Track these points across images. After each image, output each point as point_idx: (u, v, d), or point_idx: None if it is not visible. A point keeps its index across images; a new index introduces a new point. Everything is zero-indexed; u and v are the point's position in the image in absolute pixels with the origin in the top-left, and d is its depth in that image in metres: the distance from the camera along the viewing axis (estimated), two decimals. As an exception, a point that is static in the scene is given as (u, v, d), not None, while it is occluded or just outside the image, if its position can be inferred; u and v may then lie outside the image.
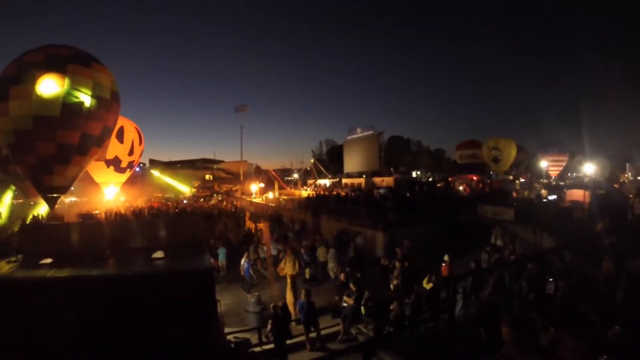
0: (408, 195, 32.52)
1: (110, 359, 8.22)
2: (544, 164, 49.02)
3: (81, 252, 10.76)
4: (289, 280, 15.12)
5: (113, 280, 8.98)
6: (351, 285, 12.98)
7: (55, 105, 15.90)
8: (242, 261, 18.30)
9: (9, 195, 37.18)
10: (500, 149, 46.34)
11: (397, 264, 15.79)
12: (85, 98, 16.60)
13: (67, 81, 16.12)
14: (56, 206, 21.69)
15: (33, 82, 15.72)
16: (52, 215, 25.20)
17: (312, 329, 11.75)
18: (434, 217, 24.08)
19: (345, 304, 12.64)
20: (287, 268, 15.18)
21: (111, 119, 18.42)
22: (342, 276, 14.88)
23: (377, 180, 48.56)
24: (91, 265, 9.70)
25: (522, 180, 50.21)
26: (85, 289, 8.68)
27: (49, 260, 9.74)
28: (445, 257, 16.25)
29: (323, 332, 11.99)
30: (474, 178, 47.78)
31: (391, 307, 11.84)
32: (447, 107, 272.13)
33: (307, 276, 17.69)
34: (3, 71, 16.63)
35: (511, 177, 49.81)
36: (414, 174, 71.27)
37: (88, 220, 27.56)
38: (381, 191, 35.99)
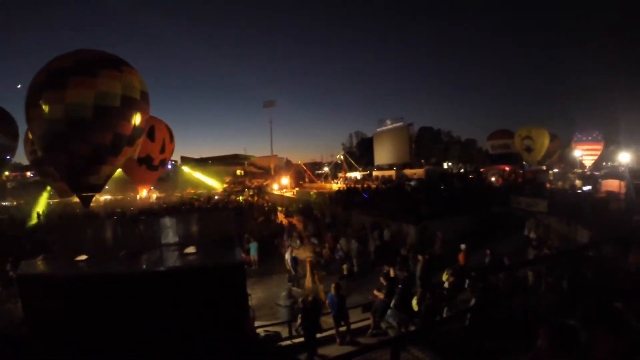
0: (442, 187, 32.08)
1: (144, 351, 8.43)
2: (577, 153, 47.81)
3: (115, 248, 11.03)
4: (308, 267, 15.71)
5: (146, 276, 9.23)
6: (381, 279, 12.93)
7: (87, 107, 16.29)
8: (287, 256, 18.14)
9: (45, 196, 38.33)
10: (532, 138, 45.51)
11: (420, 257, 15.65)
12: (115, 100, 16.95)
13: (98, 84, 16.48)
14: (91, 204, 22.24)
15: (64, 86, 16.11)
16: (87, 213, 25.80)
17: (342, 322, 11.76)
18: (466, 209, 23.64)
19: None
20: (304, 253, 16.55)
21: (142, 119, 18.76)
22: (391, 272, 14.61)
23: (408, 172, 48.10)
24: (125, 261, 9.96)
25: (555, 170, 48.58)
26: (119, 284, 8.94)
27: (84, 257, 10.02)
28: (462, 246, 16.30)
29: (353, 326, 11.96)
30: (507, 169, 46.69)
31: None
32: (478, 97, 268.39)
33: (345, 272, 17.60)
34: (35, 77, 17.11)
35: (544, 167, 47.90)
36: (445, 165, 70.36)
37: (122, 217, 28.17)
38: (412, 183, 35.72)
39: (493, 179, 40.12)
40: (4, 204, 50.52)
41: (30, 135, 25.18)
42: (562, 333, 3.20)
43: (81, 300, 8.76)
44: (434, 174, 43.98)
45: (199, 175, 70.20)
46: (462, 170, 67.62)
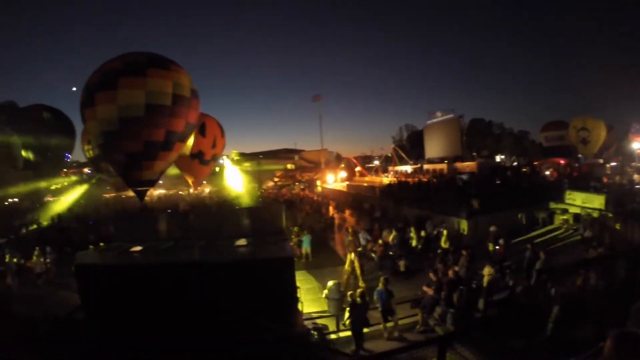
0: (496, 181, 31.44)
1: (193, 339, 8.68)
2: (635, 145, 45.40)
3: (168, 240, 11.40)
4: (349, 257, 16.06)
5: (198, 267, 9.48)
6: (431, 275, 12.82)
7: (138, 106, 16.85)
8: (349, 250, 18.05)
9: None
10: (588, 129, 43.77)
11: (464, 252, 15.48)
12: (166, 98, 17.45)
13: (148, 84, 17.00)
14: (145, 198, 23.00)
15: (115, 87, 16.72)
16: (142, 206, 26.69)
17: (390, 318, 11.73)
18: (519, 204, 22.93)
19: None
20: (349, 246, 16.29)
21: (192, 116, 19.25)
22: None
23: (459, 165, 47.40)
24: (178, 252, 10.29)
25: (613, 164, 45.60)
26: (171, 274, 9.24)
27: (138, 248, 10.41)
28: (501, 241, 16.23)
29: (401, 322, 11.91)
30: (562, 162, 45.27)
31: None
32: (531, 86, 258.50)
33: (402, 268, 17.27)
34: (88, 80, 17.85)
35: (601, 161, 45.67)
36: (497, 158, 68.66)
37: (175, 210, 29.00)
38: (464, 177, 35.21)
39: (547, 172, 38.91)
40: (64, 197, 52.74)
41: (86, 134, 26.32)
42: (629, 342, 3.09)
43: (134, 289, 9.17)
44: (486, 167, 43.08)
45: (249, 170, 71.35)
46: (515, 163, 65.60)
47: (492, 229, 18.11)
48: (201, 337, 8.76)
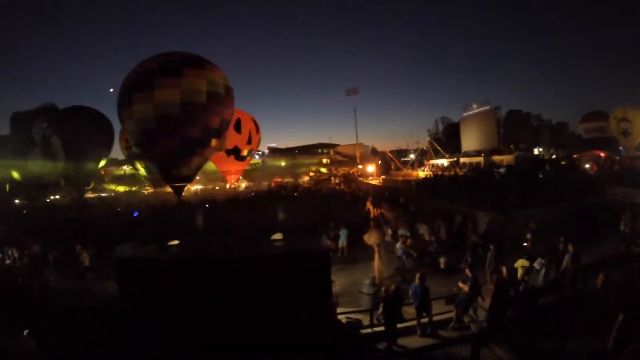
0: (535, 175, 30.85)
1: (229, 331, 8.84)
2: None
3: (205, 234, 11.62)
4: (375, 249, 15.98)
5: (234, 260, 9.61)
6: (467, 271, 12.65)
7: (174, 105, 17.19)
8: (398, 245, 17.71)
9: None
10: (629, 120, 42.41)
11: (491, 246, 15.27)
12: (201, 96, 17.73)
13: (183, 83, 17.32)
14: (183, 194, 23.43)
15: (152, 87, 17.08)
16: (180, 202, 27.24)
17: (425, 314, 11.64)
18: (557, 198, 22.21)
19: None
20: (373, 238, 16.08)
21: (227, 112, 19.53)
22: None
23: (496, 158, 46.73)
24: (215, 246, 10.48)
25: None
26: (208, 267, 9.45)
27: (176, 242, 10.65)
28: (528, 236, 16.04)
29: (435, 318, 11.79)
30: (602, 154, 44.02)
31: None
32: (569, 76, 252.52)
33: (442, 265, 16.79)
34: (124, 81, 18.33)
35: None
36: (535, 151, 67.23)
37: (212, 205, 29.46)
38: (501, 170, 34.74)
39: (587, 165, 38.00)
40: (103, 195, 54.27)
41: (124, 133, 27.02)
42: None
43: (172, 282, 9.40)
44: (524, 161, 42.30)
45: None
46: (553, 156, 64.06)
47: (532, 225, 17.71)
48: (237, 329, 8.93)
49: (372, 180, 51.40)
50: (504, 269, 12.89)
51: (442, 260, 16.88)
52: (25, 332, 10.13)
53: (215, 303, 9.14)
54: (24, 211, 40.03)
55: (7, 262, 19.98)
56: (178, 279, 9.37)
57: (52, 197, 47.10)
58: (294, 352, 8.59)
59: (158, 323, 9.31)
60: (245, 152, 31.02)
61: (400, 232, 19.89)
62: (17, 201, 45.68)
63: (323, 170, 75.59)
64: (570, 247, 13.42)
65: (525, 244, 16.10)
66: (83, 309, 13.36)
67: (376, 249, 16.05)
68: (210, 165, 30.83)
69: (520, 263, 13.52)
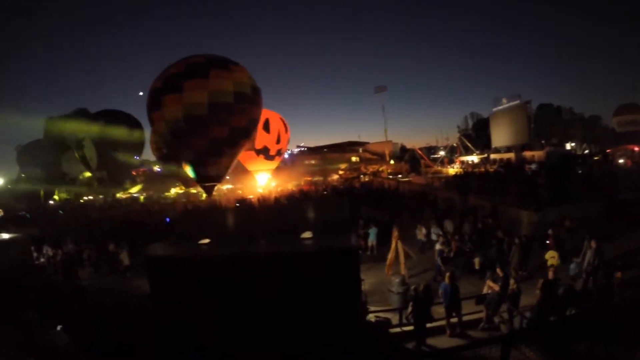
0: (567, 170, 30.28)
1: (258, 329, 8.93)
2: None
3: (236, 233, 11.76)
4: (395, 243, 16.20)
5: (264, 259, 9.77)
6: (498, 270, 12.48)
7: (202, 106, 17.43)
8: (437, 247, 17.24)
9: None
10: (665, 112, 41.50)
11: (517, 240, 15.15)
12: (228, 96, 17.91)
13: (210, 84, 17.54)
14: (214, 193, 23.82)
15: (180, 90, 17.36)
16: (210, 201, 27.64)
17: (454, 313, 11.53)
18: (591, 195, 21.64)
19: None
20: (395, 232, 16.44)
21: (255, 112, 19.73)
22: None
23: (527, 154, 45.97)
24: (245, 245, 10.59)
25: None
26: (238, 266, 9.59)
27: (206, 241, 10.82)
28: (549, 231, 15.86)
29: (465, 318, 11.66)
30: (636, 149, 42.88)
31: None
32: (602, 67, 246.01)
33: (477, 266, 16.14)
34: (152, 84, 18.63)
35: None
36: (567, 146, 65.83)
37: (242, 204, 29.78)
38: (532, 166, 34.23)
39: (621, 160, 37.11)
40: (135, 195, 55.24)
41: (155, 135, 27.51)
42: None
43: (202, 280, 9.61)
44: (556, 156, 41.52)
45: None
46: (586, 151, 62.60)
47: (566, 223, 17.35)
48: (266, 327, 9.02)
49: (401, 177, 51.06)
50: (550, 273, 12.41)
51: (476, 260, 16.39)
52: (59, 327, 10.43)
53: (245, 301, 9.28)
54: (60, 212, 41.30)
55: (42, 260, 20.60)
56: (208, 277, 9.57)
57: (85, 198, 48.23)
58: (323, 350, 8.64)
59: (188, 321, 9.52)
60: (274, 152, 31.31)
61: (433, 231, 19.75)
62: (51, 202, 47.22)
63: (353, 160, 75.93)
64: (592, 244, 13.22)
65: (547, 241, 15.82)
66: (115, 305, 13.71)
67: (394, 242, 16.29)
68: (240, 165, 31.17)
69: (550, 254, 13.52)
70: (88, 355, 10.04)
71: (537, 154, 44.31)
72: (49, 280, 17.13)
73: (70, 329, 10.49)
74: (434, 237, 19.27)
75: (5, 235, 17.55)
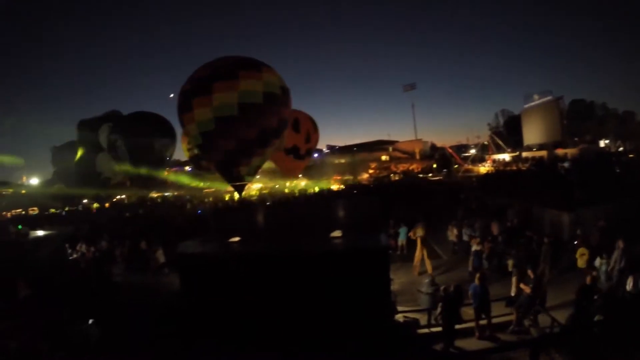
0: (601, 169, 29.65)
1: (287, 327, 9.03)
2: None
3: (265, 231, 11.91)
4: (419, 241, 16.58)
5: (294, 257, 9.87)
6: (529, 272, 12.28)
7: (232, 106, 17.64)
8: (473, 248, 16.74)
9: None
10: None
11: (546, 239, 14.92)
12: (258, 97, 18.09)
13: (240, 85, 17.74)
14: (244, 192, 24.11)
15: (210, 91, 17.61)
16: (241, 200, 27.97)
17: (484, 315, 11.42)
18: (627, 194, 20.65)
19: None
20: (419, 231, 16.78)
21: (284, 112, 19.86)
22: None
23: (560, 152, 45.20)
24: (274, 243, 10.72)
25: None
26: (268, 264, 9.80)
27: (237, 239, 11.02)
28: (578, 232, 15.84)
29: (494, 321, 11.50)
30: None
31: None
32: (635, 60, 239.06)
33: (510, 268, 15.23)
34: (183, 87, 18.98)
35: None
36: (601, 144, 64.24)
37: (272, 203, 30.03)
38: (565, 164, 33.67)
39: (657, 158, 36.18)
40: (167, 194, 56.17)
41: (185, 136, 28.10)
42: None
43: (232, 278, 9.84)
44: (590, 154, 40.69)
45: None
46: (620, 148, 60.98)
47: (601, 223, 16.90)
48: (295, 325, 9.11)
49: (432, 176, 50.75)
50: (589, 278, 12.08)
51: (510, 262, 15.70)
52: (91, 321, 10.75)
53: (274, 299, 9.42)
54: (94, 210, 42.30)
55: (75, 256, 21.22)
56: (238, 275, 9.77)
57: (118, 197, 49.35)
58: (351, 349, 8.69)
59: (217, 317, 9.74)
60: (304, 151, 31.41)
61: (465, 231, 19.52)
62: (85, 200, 48.43)
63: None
64: (620, 243, 12.94)
65: (575, 242, 15.54)
66: (146, 302, 14.03)
67: (418, 241, 16.59)
68: (270, 164, 31.36)
69: (581, 252, 13.47)
70: (119, 349, 10.30)
71: (570, 152, 43.54)
72: (82, 276, 17.56)
73: (102, 324, 10.80)
74: (465, 237, 19.04)
75: (40, 233, 18.01)
